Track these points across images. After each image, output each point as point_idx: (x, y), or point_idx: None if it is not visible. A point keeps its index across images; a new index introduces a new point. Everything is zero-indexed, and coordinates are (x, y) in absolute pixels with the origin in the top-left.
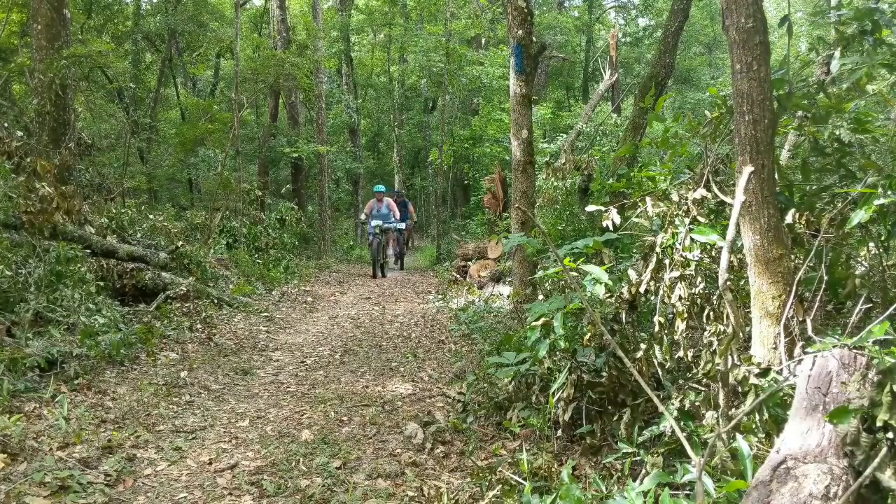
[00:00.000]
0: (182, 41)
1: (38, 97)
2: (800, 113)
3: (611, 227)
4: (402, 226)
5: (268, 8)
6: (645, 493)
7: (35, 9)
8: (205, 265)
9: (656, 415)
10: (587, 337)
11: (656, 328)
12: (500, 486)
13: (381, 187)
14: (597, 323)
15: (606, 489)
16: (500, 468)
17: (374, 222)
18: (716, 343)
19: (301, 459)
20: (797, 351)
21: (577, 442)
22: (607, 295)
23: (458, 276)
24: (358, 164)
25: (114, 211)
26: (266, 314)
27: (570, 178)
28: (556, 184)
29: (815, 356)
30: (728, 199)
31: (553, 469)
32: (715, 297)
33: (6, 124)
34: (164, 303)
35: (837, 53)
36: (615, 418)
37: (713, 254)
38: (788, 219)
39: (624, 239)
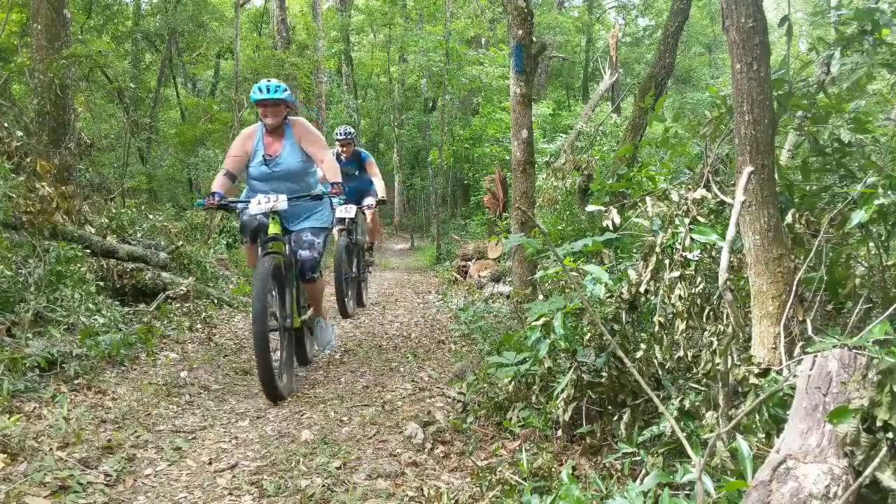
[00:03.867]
0: (182, 41)
1: (38, 97)
2: (800, 113)
3: (611, 227)
4: (353, 212)
5: (268, 8)
6: (645, 493)
7: (35, 9)
8: (205, 265)
9: (656, 415)
10: (587, 337)
11: (656, 328)
12: (500, 486)
13: (268, 86)
14: (597, 323)
15: (606, 489)
16: (499, 468)
17: (253, 207)
18: (716, 343)
19: (301, 459)
20: (797, 351)
21: (577, 442)
22: (607, 295)
23: (458, 276)
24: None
25: (114, 211)
26: None
27: (570, 178)
28: (556, 184)
29: (815, 356)
30: (728, 199)
31: (553, 469)
32: (715, 297)
33: (6, 124)
34: (164, 303)
35: (837, 53)
36: (615, 418)
37: (713, 254)
38: (788, 219)
39: (624, 239)
